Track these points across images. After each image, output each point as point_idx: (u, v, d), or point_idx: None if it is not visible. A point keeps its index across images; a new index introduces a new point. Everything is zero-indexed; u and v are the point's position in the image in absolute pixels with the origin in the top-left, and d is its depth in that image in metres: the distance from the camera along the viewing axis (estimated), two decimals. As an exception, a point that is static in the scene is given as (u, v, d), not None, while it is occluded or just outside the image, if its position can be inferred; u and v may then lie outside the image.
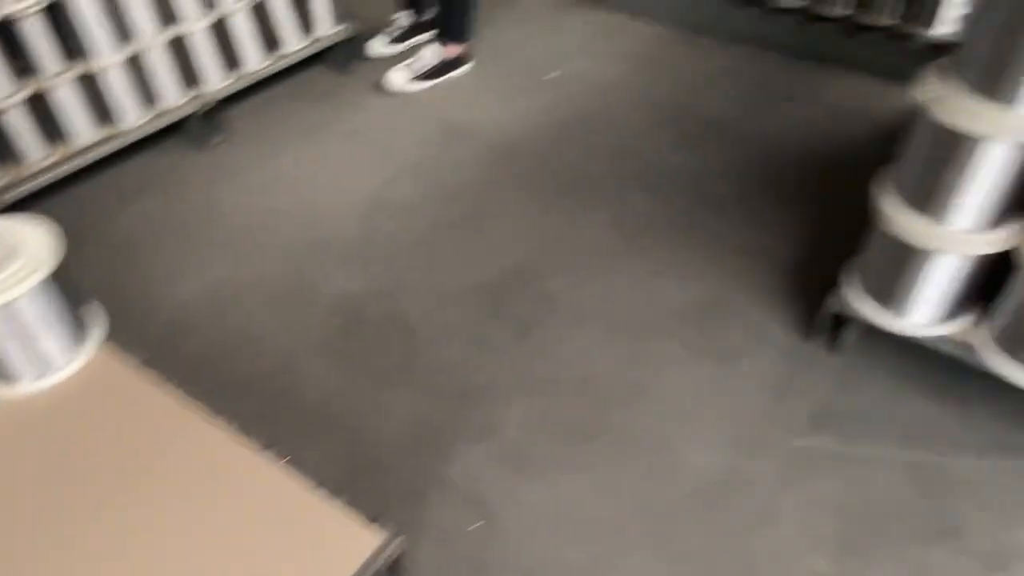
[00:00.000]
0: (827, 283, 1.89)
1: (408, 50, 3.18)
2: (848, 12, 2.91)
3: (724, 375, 1.92)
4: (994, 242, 1.55)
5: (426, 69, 3.02)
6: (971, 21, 1.39)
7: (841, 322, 1.88)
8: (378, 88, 3.03)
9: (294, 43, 2.91)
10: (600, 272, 2.21)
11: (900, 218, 1.61)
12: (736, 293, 2.11)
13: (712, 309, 2.08)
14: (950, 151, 1.46)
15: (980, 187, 1.47)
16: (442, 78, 3.06)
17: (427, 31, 3.17)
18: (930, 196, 1.54)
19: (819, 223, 2.29)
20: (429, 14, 3.15)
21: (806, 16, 3.00)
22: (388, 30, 3.25)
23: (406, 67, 3.02)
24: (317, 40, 2.99)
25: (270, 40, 2.85)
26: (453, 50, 3.04)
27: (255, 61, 2.82)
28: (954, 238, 1.56)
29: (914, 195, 1.58)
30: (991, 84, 1.35)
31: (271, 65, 2.87)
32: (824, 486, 1.67)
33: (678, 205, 2.42)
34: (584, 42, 3.29)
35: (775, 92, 2.91)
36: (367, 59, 3.19)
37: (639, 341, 2.01)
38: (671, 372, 1.93)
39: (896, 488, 1.66)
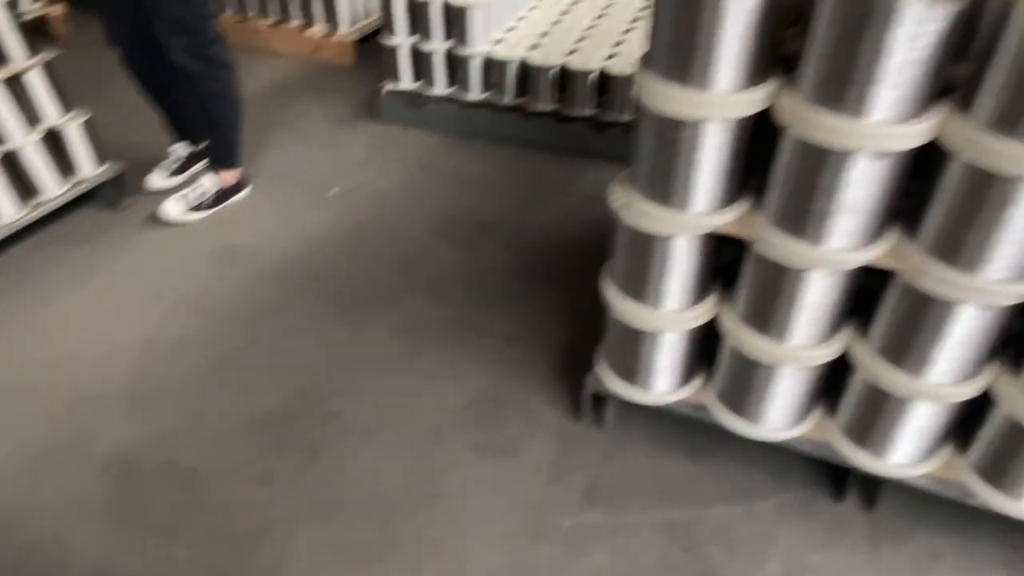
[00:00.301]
0: (590, 365, 2.07)
1: (188, 180, 3.17)
2: (555, 106, 3.31)
3: (506, 467, 2.03)
4: (699, 316, 1.79)
5: (204, 198, 3.02)
6: (633, 142, 1.64)
7: (601, 399, 2.06)
8: (154, 222, 2.99)
9: (53, 189, 2.82)
10: (384, 384, 2.28)
11: (621, 304, 1.82)
12: (513, 385, 2.25)
13: (491, 404, 2.20)
14: (644, 248, 1.70)
15: (676, 275, 1.71)
16: (220, 206, 3.07)
17: (204, 160, 3.18)
18: (640, 285, 1.77)
19: (583, 307, 2.51)
20: (205, 143, 3.17)
21: (558, 117, 3.34)
22: (166, 162, 3.22)
23: (182, 197, 3.01)
24: (80, 182, 2.91)
25: (26, 189, 2.74)
26: (228, 176, 3.07)
27: (9, 213, 2.70)
28: (667, 318, 1.78)
29: (627, 284, 1.80)
30: (660, 192, 1.59)
31: (29, 214, 2.75)
32: (597, 560, 1.80)
33: (456, 306, 2.56)
34: (363, 156, 3.44)
35: (540, 187, 3.18)
36: (146, 193, 3.14)
37: (424, 448, 2.08)
38: (456, 474, 2.01)
39: (660, 548, 1.82)
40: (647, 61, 1.51)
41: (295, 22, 4.37)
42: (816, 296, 1.58)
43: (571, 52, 3.29)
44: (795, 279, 1.57)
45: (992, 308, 1.44)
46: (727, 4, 1.32)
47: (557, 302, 2.55)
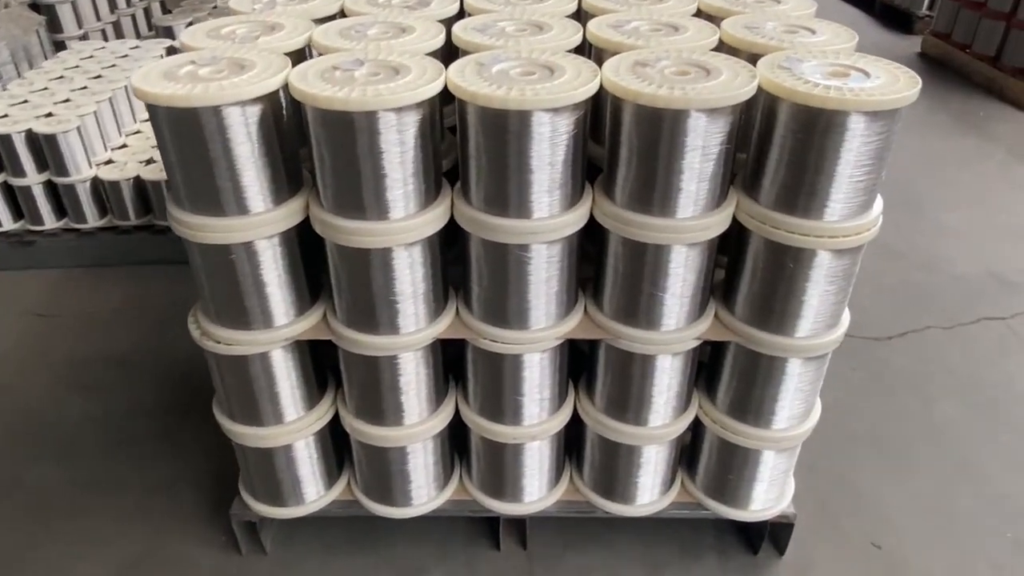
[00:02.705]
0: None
1: None
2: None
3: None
4: (321, 418, 1.80)
5: None
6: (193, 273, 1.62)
7: (254, 525, 1.97)
8: None
9: None
10: (10, 579, 1.97)
11: (237, 429, 1.77)
12: (164, 537, 2.07)
13: (143, 565, 2.00)
14: (239, 369, 1.67)
15: (284, 385, 1.71)
16: None
17: None
18: (249, 406, 1.73)
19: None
20: None
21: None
22: None
23: None
24: None
25: None
26: None
27: None
28: (288, 429, 1.77)
29: (234, 408, 1.77)
30: (233, 316, 1.59)
31: None
32: None
33: (92, 465, 2.30)
34: (-32, 313, 3.00)
35: (182, 307, 2.99)
36: None
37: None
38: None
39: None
40: (169, 192, 1.52)
41: None
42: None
43: (189, 162, 3.19)
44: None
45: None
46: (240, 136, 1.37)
47: (211, 436, 2.40)
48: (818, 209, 1.46)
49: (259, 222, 1.47)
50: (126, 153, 3.26)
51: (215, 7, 4.53)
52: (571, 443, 1.95)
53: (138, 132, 3.46)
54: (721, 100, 1.33)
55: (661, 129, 1.38)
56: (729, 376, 1.76)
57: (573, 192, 1.49)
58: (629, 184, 1.48)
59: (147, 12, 5.44)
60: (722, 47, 1.65)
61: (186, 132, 1.37)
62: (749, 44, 1.61)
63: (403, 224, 1.45)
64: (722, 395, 1.80)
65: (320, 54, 1.61)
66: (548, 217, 1.47)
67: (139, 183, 3.13)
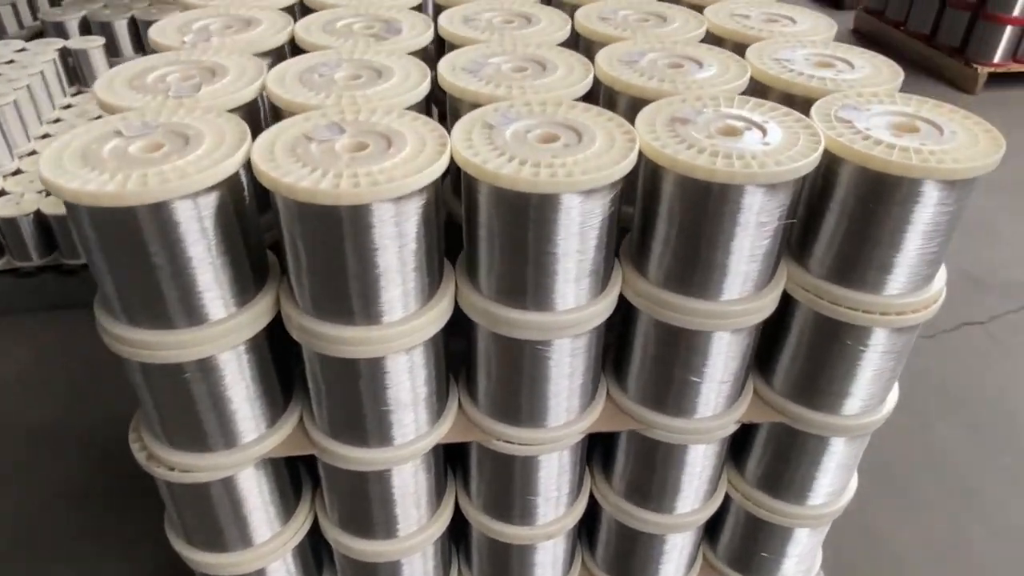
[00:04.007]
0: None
1: None
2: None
3: None
4: (297, 534, 1.53)
5: None
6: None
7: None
8: None
9: None
10: None
11: (186, 552, 1.48)
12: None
13: None
14: (197, 498, 1.37)
15: (254, 510, 1.42)
16: None
17: None
18: (206, 535, 1.44)
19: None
20: None
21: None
22: None
23: None
24: None
25: None
26: None
27: None
28: (248, 558, 1.49)
29: (193, 536, 1.46)
30: (192, 438, 1.29)
31: None
32: None
33: (4, 570, 1.96)
34: None
35: (106, 359, 2.63)
36: None
37: None
38: None
39: None
40: (97, 297, 1.21)
41: None
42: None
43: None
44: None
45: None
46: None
47: (157, 530, 2.08)
48: (879, 282, 1.27)
49: (220, 332, 1.17)
50: (21, 182, 2.81)
51: (111, -4, 4.01)
52: (584, 521, 1.74)
53: (33, 154, 2.99)
54: (784, 174, 1.11)
55: (709, 203, 1.15)
56: (763, 451, 1.58)
57: (604, 276, 1.25)
58: (666, 260, 1.25)
59: (30, 2, 4.81)
60: (752, 85, 1.43)
61: (121, 236, 1.06)
62: (786, 84, 1.39)
63: (402, 328, 1.18)
64: (752, 468, 1.62)
65: (278, 107, 1.31)
66: (574, 309, 1.23)
67: (40, 218, 2.70)
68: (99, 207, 1.01)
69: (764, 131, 1.19)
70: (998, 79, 4.91)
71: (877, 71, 1.47)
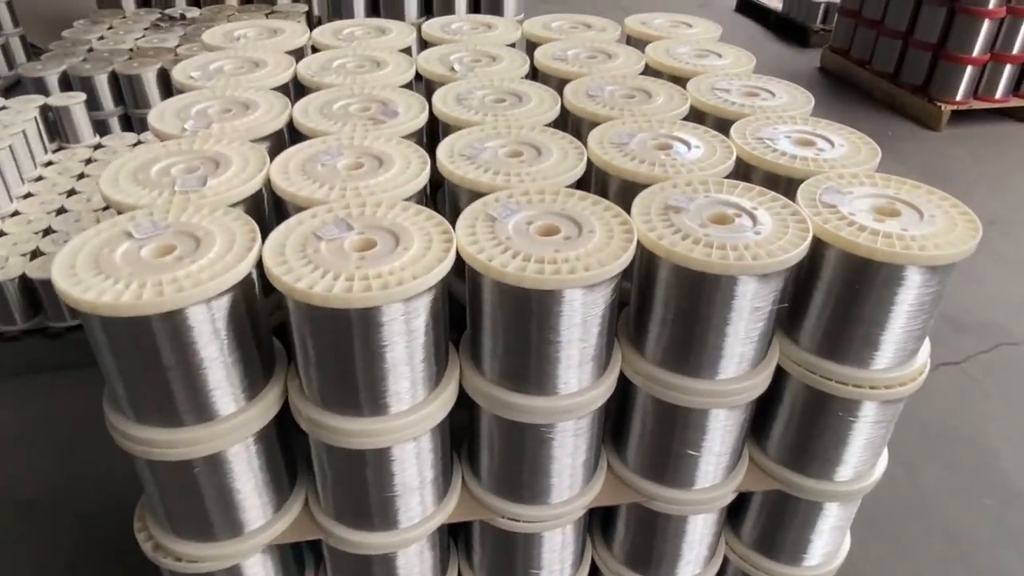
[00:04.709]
0: None
1: None
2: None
3: None
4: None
5: None
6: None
7: None
8: None
9: None
10: None
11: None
12: None
13: None
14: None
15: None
16: None
17: None
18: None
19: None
20: None
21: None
22: None
23: None
24: None
25: None
26: None
27: None
28: None
29: None
30: (199, 529, 1.29)
31: None
32: None
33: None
34: None
35: (96, 424, 2.61)
36: None
37: None
38: None
39: None
40: (106, 394, 1.21)
41: None
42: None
43: (85, 251, 2.76)
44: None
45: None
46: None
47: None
48: (867, 358, 1.32)
49: (230, 428, 1.18)
50: (4, 244, 2.79)
51: (90, 50, 4.02)
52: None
53: (16, 215, 2.98)
54: (776, 264, 1.16)
55: (704, 290, 1.20)
56: (758, 514, 1.62)
57: (605, 358, 1.29)
58: (664, 341, 1.29)
59: (5, 51, 4.80)
60: (737, 163, 1.49)
61: (134, 342, 1.07)
62: (771, 165, 1.45)
63: (410, 419, 1.21)
64: (748, 530, 1.66)
65: (281, 199, 1.34)
66: (577, 392, 1.26)
67: (25, 282, 2.68)
68: (115, 317, 1.03)
69: (754, 218, 1.25)
70: (961, 116, 5.08)
71: (855, 149, 1.53)
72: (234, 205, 1.28)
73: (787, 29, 6.94)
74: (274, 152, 1.49)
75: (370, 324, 1.09)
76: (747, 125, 1.57)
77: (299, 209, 1.27)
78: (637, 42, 2.16)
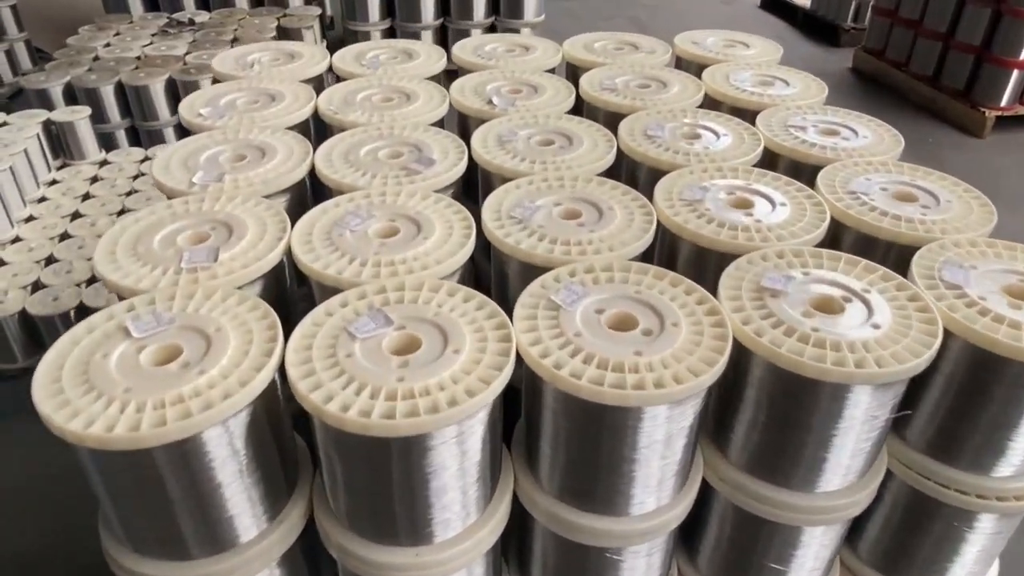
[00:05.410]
0: None
1: None
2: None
3: None
4: None
5: None
6: None
7: None
8: None
9: None
10: None
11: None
12: None
13: None
14: None
15: None
16: None
17: None
18: None
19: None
20: None
21: None
22: None
23: None
24: None
25: None
26: None
27: None
28: None
29: None
30: None
31: None
32: None
33: None
34: None
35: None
36: None
37: None
38: None
39: None
40: (103, 523, 1.02)
41: None
42: None
43: (88, 283, 2.59)
44: None
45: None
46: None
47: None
48: (989, 463, 1.12)
49: (250, 557, 1.00)
50: (4, 276, 2.62)
51: (96, 58, 3.84)
52: None
53: (16, 241, 2.80)
54: (901, 372, 0.96)
55: (808, 397, 1.00)
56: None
57: (686, 472, 1.09)
58: (752, 444, 1.10)
59: (9, 56, 4.63)
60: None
61: (130, 475, 0.89)
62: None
63: (459, 548, 1.02)
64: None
65: (300, 271, 1.15)
66: (653, 513, 1.07)
67: (25, 317, 2.51)
68: (112, 450, 0.85)
69: (868, 306, 1.05)
70: (1006, 122, 4.83)
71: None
72: (250, 284, 1.10)
73: (816, 27, 6.67)
74: (295, 207, 1.31)
75: (417, 450, 0.90)
76: (836, 174, 1.37)
77: (326, 289, 1.09)
78: (688, 64, 1.96)
